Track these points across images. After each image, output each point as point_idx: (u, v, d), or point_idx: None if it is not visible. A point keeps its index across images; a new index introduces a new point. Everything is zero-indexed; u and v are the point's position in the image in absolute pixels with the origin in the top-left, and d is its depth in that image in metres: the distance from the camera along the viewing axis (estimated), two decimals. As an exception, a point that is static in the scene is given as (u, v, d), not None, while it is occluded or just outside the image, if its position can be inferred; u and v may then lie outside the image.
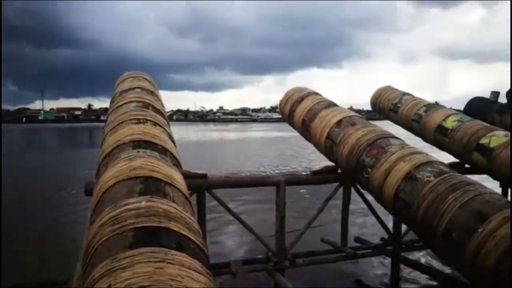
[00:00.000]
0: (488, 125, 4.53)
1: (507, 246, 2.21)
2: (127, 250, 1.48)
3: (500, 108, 5.55)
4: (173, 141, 2.88)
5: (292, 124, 4.73)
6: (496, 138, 4.12)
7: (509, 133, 4.28)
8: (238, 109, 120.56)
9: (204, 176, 3.45)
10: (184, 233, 1.70)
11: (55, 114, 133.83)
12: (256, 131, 51.87)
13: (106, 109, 3.61)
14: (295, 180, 3.95)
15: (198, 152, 24.25)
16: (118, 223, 1.67)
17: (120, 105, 3.13)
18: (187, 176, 3.02)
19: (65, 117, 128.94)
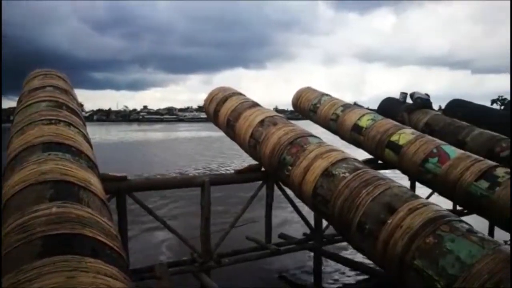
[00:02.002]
0: (397, 123, 4.92)
1: (412, 234, 2.41)
2: (36, 260, 1.39)
3: (408, 107, 6.05)
4: (89, 142, 2.74)
5: (217, 124, 4.74)
6: (405, 135, 4.48)
7: (415, 131, 4.69)
8: (164, 109, 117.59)
9: (123, 178, 3.32)
10: (100, 238, 1.63)
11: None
12: (184, 131, 51.00)
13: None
14: (219, 180, 3.96)
15: (120, 154, 23.27)
16: (26, 231, 1.55)
17: (29, 105, 2.90)
18: (105, 179, 2.89)
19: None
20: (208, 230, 3.76)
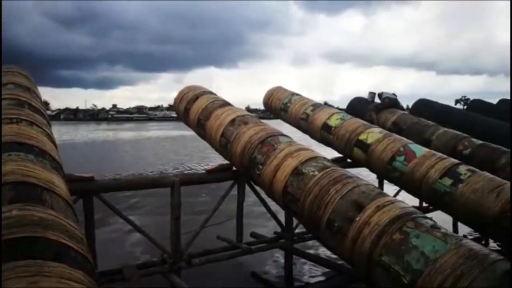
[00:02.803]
0: (366, 122, 5.02)
1: (379, 231, 2.46)
2: (-6, 266, 1.33)
3: (376, 107, 6.18)
4: (54, 142, 2.65)
5: (187, 123, 4.70)
6: (373, 134, 4.58)
7: (383, 130, 4.79)
8: (134, 108, 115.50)
9: (90, 179, 3.24)
10: (64, 242, 1.58)
11: None
12: (155, 130, 50.29)
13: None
14: (189, 179, 3.92)
15: (89, 154, 22.71)
16: (-16, 236, 1.49)
17: (-12, 103, 2.78)
18: (70, 180, 2.82)
19: None
20: (178, 230, 3.72)
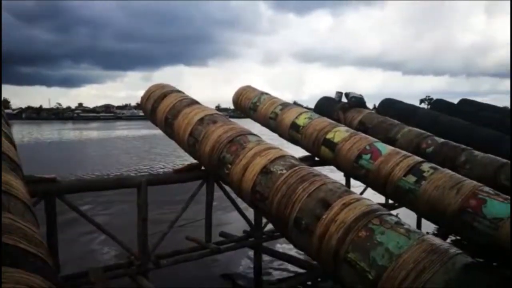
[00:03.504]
0: (333, 121, 5.09)
1: (345, 228, 2.50)
2: None
3: (343, 106, 6.29)
4: (12, 142, 2.54)
5: (154, 122, 4.62)
6: (339, 133, 4.65)
7: (350, 129, 4.88)
8: (101, 106, 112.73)
9: (53, 180, 3.13)
10: (21, 246, 1.52)
11: None
12: (123, 129, 49.28)
13: None
14: (157, 180, 3.86)
15: (54, 154, 21.99)
16: None
17: None
18: (31, 181, 2.71)
19: None
20: (145, 231, 3.66)
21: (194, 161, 4.08)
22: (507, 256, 3.34)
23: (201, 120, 3.92)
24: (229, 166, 3.44)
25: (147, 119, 4.87)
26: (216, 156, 3.58)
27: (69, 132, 47.07)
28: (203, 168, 4.01)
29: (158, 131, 4.70)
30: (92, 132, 46.35)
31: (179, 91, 4.67)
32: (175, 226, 4.06)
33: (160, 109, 4.40)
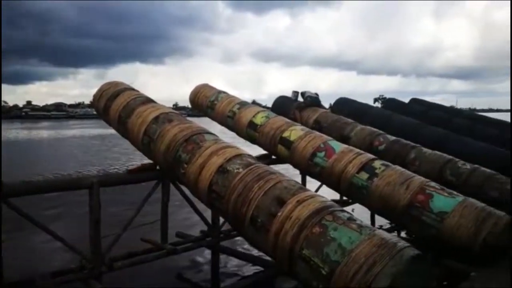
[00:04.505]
0: (289, 120, 5.17)
1: (300, 225, 2.54)
2: None
3: (299, 105, 6.38)
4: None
5: (107, 120, 4.48)
6: (295, 131, 4.73)
7: (305, 127, 4.97)
8: (52, 105, 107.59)
9: (-5, 183, 2.94)
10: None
11: None
12: (77, 129, 47.39)
13: None
14: (109, 180, 3.74)
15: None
16: None
17: None
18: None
19: None
20: (98, 233, 3.53)
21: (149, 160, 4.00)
22: (451, 248, 3.53)
23: (156, 118, 3.84)
24: (185, 165, 3.40)
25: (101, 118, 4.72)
26: (172, 156, 3.53)
27: (17, 131, 44.65)
28: (158, 168, 3.93)
29: (112, 130, 4.56)
30: (43, 131, 44.25)
31: (133, 89, 4.55)
32: (135, 227, 3.96)
33: (113, 107, 4.27)
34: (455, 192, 3.81)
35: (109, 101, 4.34)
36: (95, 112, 4.87)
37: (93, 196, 3.46)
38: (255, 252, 5.14)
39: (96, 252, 3.54)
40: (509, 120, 9.82)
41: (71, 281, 3.52)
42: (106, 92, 4.46)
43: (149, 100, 4.26)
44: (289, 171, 4.27)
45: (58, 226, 7.08)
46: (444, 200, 3.65)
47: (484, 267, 3.20)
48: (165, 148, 3.60)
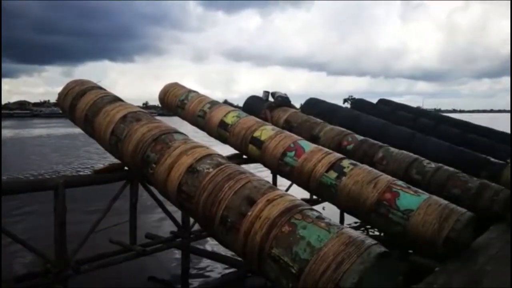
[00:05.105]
0: (260, 120, 5.19)
1: (269, 224, 2.55)
2: None
3: (270, 105, 6.42)
4: None
5: (73, 120, 4.37)
6: (266, 131, 4.75)
7: (275, 127, 5.00)
8: (15, 103, 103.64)
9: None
10: None
11: None
12: (42, 128, 45.81)
13: None
14: (75, 181, 3.65)
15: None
16: None
17: None
18: None
19: None
20: (63, 236, 3.43)
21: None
22: (417, 245, 3.63)
23: (124, 118, 3.77)
24: (154, 165, 3.35)
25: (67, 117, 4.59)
26: (140, 156, 3.47)
27: (-23, 131, 42.68)
28: (126, 168, 3.86)
29: (79, 130, 4.44)
30: (6, 130, 42.53)
31: (101, 88, 4.45)
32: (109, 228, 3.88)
33: (79, 106, 4.16)
34: (420, 190, 3.93)
35: (75, 99, 4.23)
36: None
37: (59, 198, 3.36)
38: (227, 252, 5.13)
39: (62, 255, 3.44)
40: (471, 120, 10.22)
41: (35, 286, 3.42)
42: (72, 91, 4.34)
43: (116, 99, 4.18)
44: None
45: (25, 227, 6.87)
46: (410, 198, 3.75)
47: (447, 262, 3.31)
48: (133, 148, 3.54)
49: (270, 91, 6.78)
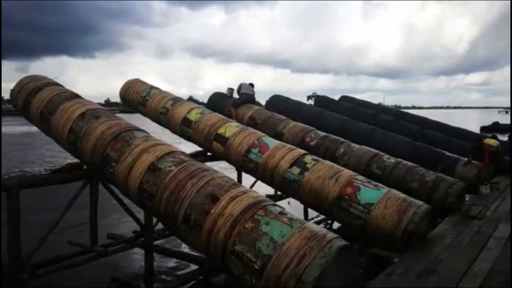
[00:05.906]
0: (224, 117, 5.17)
1: (233, 221, 2.54)
2: None
3: (234, 102, 6.41)
4: None
5: (28, 117, 4.19)
6: (230, 128, 4.74)
7: (240, 124, 4.99)
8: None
9: None
10: None
11: None
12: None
13: None
14: (31, 181, 3.49)
15: None
16: None
17: None
18: None
19: None
20: (17, 239, 3.28)
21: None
22: (377, 237, 3.74)
23: (82, 115, 3.65)
24: (114, 164, 3.27)
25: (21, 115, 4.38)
26: (99, 154, 3.37)
27: None
28: (85, 167, 3.74)
29: (36, 128, 4.26)
30: (-46, 129, 39.99)
31: (57, 84, 4.29)
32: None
33: (34, 103, 3.99)
34: (380, 184, 4.04)
35: (29, 96, 4.06)
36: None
37: (12, 199, 3.21)
38: (190, 250, 5.08)
39: (16, 259, 3.28)
40: (429, 116, 10.62)
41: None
42: (26, 87, 4.16)
43: (74, 96, 4.04)
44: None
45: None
46: (370, 192, 3.85)
47: (405, 253, 3.43)
48: (92, 146, 3.43)
49: (235, 88, 6.77)
